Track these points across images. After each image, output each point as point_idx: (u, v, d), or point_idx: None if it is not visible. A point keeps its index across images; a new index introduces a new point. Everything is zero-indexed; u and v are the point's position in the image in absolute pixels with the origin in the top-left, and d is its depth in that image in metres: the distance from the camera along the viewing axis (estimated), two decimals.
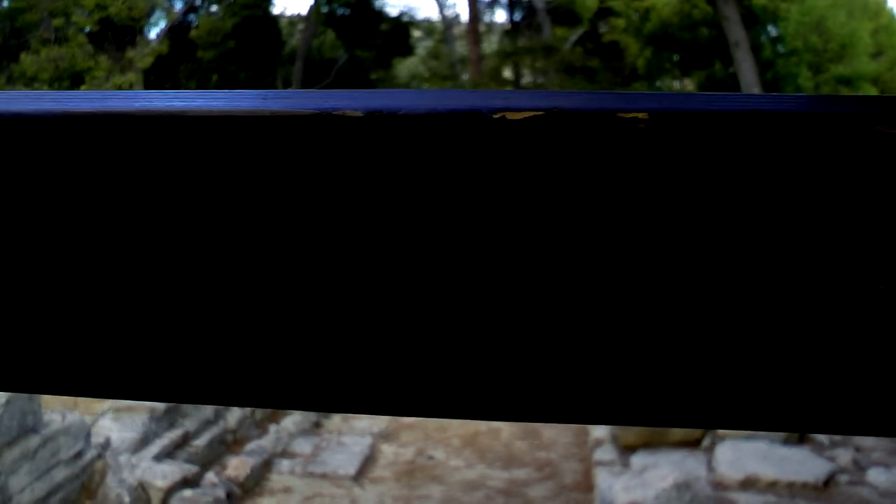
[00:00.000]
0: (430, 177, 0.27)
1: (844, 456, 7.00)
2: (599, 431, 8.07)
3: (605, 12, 23.11)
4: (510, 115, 0.26)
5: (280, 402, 0.31)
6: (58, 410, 6.82)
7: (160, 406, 8.14)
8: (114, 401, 7.94)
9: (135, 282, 0.30)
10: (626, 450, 7.43)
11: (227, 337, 0.30)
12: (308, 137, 0.28)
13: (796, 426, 0.28)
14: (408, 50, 25.82)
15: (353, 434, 9.26)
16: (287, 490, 7.74)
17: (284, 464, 8.26)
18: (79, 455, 6.57)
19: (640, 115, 0.26)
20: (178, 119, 0.29)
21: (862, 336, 0.26)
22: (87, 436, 6.74)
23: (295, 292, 0.29)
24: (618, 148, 0.26)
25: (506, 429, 9.61)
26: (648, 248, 0.27)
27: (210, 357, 0.30)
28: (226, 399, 0.31)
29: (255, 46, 23.42)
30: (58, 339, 0.31)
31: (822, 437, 7.44)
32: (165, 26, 26.66)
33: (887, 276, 0.26)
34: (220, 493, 6.47)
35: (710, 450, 7.29)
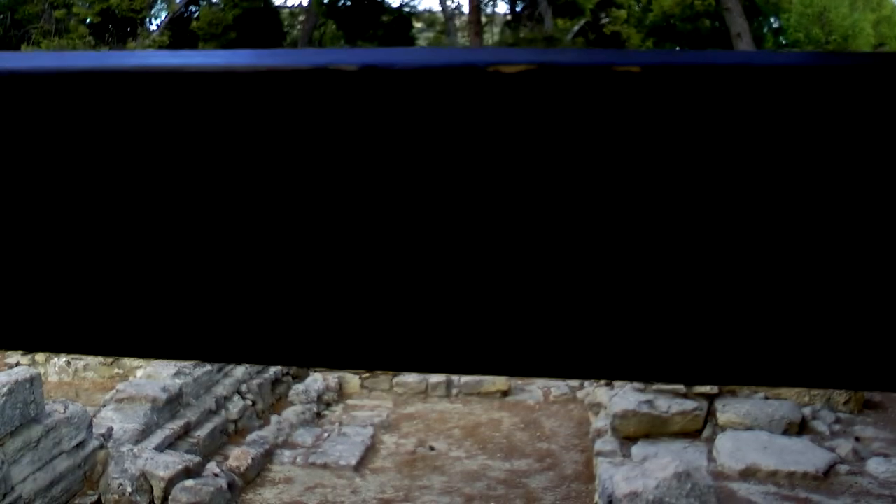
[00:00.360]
0: (424, 130, 0.27)
1: (844, 446, 7.01)
2: (600, 422, 8.08)
3: (606, 3, 23.08)
4: (504, 69, 0.27)
5: (275, 358, 0.31)
6: (60, 401, 6.84)
7: (161, 396, 8.16)
8: (115, 392, 7.93)
9: (136, 239, 0.30)
10: (627, 440, 7.44)
11: (225, 293, 0.30)
12: (304, 92, 0.28)
13: (792, 381, 0.28)
14: (409, 41, 25.77)
15: (355, 425, 9.27)
16: (288, 480, 7.76)
17: (286, 454, 8.28)
18: (81, 445, 6.58)
19: (633, 70, 0.26)
20: (174, 76, 0.29)
21: (861, 287, 0.27)
22: (89, 426, 6.76)
23: (291, 246, 0.29)
24: (611, 100, 0.26)
25: (506, 420, 9.62)
26: (645, 198, 0.27)
27: (210, 315, 0.31)
28: (231, 356, 0.31)
29: (256, 37, 23.40)
30: (58, 299, 0.31)
31: (823, 428, 7.46)
32: (166, 17, 26.64)
33: (882, 227, 0.26)
34: (222, 483, 6.48)
35: (711, 440, 7.30)
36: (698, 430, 7.51)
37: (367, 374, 10.78)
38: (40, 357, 11.21)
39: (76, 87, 0.29)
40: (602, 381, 9.04)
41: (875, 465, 6.70)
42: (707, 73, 0.26)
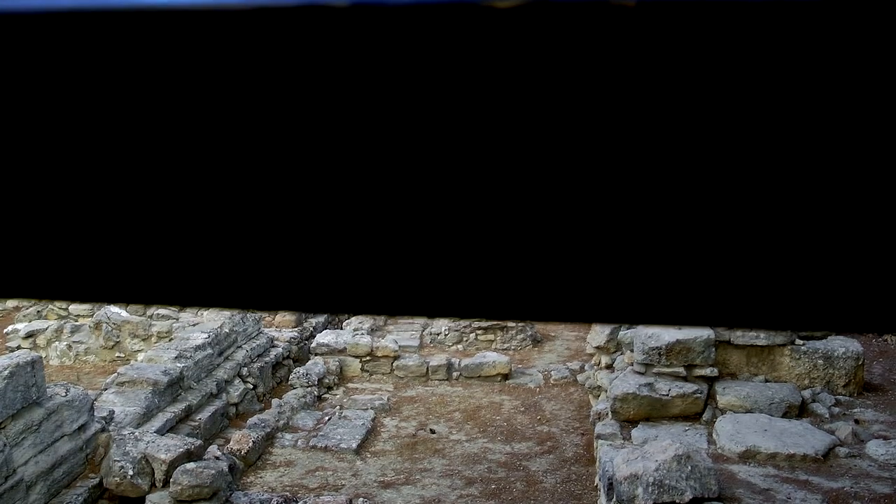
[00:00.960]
0: (414, 68, 0.27)
1: (844, 429, 7.03)
2: (601, 405, 8.10)
3: None
4: (497, 4, 0.26)
5: (270, 304, 0.31)
6: (61, 384, 6.86)
7: (163, 380, 8.19)
8: (116, 375, 7.95)
9: (132, 181, 0.30)
10: (627, 423, 7.46)
11: (219, 240, 0.30)
12: (295, 31, 0.28)
13: (792, 324, 0.28)
14: None
15: (355, 408, 9.30)
16: (289, 463, 7.80)
17: (287, 437, 8.31)
18: (82, 428, 6.60)
19: (628, 4, 0.26)
20: (163, 15, 0.28)
21: (864, 231, 0.26)
22: (91, 409, 6.78)
23: (284, 192, 0.29)
24: (604, 36, 0.26)
25: (507, 403, 9.65)
26: (642, 134, 0.27)
27: (203, 261, 0.30)
28: (232, 302, 0.31)
29: None
30: (63, 245, 0.31)
31: (823, 411, 7.47)
32: None
33: (884, 171, 0.26)
34: (223, 465, 6.51)
35: (711, 423, 7.32)
36: (698, 413, 7.53)
37: (368, 358, 10.81)
38: (41, 341, 11.25)
39: (69, 28, 0.29)
40: (602, 364, 9.06)
41: (874, 448, 6.72)
42: (699, 8, 0.26)
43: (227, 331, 10.13)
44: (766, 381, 7.87)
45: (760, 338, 7.89)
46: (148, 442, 6.61)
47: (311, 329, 12.56)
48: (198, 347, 9.32)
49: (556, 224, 0.28)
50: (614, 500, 5.82)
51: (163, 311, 11.88)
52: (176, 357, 8.92)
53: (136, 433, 6.85)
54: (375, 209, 0.29)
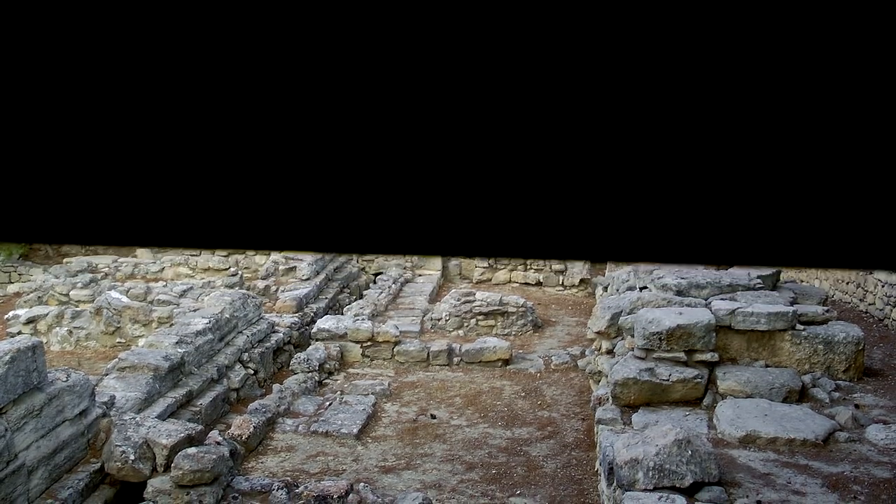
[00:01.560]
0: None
1: (844, 414, 7.05)
2: (601, 390, 8.12)
3: None
4: None
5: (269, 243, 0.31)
6: (62, 369, 6.87)
7: (163, 365, 8.21)
8: (117, 361, 7.96)
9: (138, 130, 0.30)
10: (628, 408, 7.48)
11: (219, 180, 0.30)
12: None
13: (786, 261, 0.28)
14: None
15: (356, 393, 9.33)
16: (290, 448, 7.82)
17: (288, 423, 8.33)
18: (84, 413, 6.62)
19: None
20: None
21: (862, 170, 0.26)
22: (92, 394, 6.80)
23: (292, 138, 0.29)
24: None
25: (508, 388, 9.68)
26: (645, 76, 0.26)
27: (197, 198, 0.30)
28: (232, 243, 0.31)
29: None
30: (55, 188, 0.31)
31: (823, 396, 7.49)
32: None
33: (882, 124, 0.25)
34: (224, 451, 6.53)
35: (711, 408, 7.34)
36: (699, 398, 7.55)
37: (369, 343, 10.83)
38: (42, 326, 11.27)
39: None
40: (603, 349, 9.07)
41: (874, 433, 6.74)
42: None
43: (227, 316, 10.14)
44: (767, 366, 7.88)
45: (761, 323, 7.90)
46: (149, 427, 6.63)
47: (312, 314, 12.57)
48: (198, 333, 9.33)
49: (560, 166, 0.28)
50: (615, 484, 5.84)
51: (163, 296, 11.89)
52: (177, 342, 8.94)
53: (138, 418, 6.87)
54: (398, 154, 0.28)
